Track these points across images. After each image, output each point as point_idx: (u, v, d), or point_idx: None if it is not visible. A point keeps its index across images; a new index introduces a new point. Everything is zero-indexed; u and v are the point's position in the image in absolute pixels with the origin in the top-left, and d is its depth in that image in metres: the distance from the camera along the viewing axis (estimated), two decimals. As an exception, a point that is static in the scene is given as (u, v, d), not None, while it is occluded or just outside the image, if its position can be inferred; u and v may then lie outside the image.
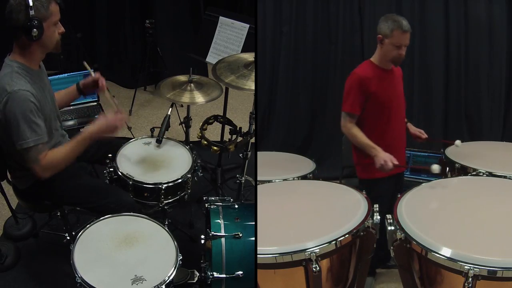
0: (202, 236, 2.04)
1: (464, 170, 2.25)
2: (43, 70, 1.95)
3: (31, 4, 1.66)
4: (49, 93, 1.95)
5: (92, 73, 2.20)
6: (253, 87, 2.14)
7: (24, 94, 1.70)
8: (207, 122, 2.69)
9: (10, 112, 1.70)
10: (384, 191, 2.22)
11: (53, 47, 1.84)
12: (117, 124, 1.96)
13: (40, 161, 1.79)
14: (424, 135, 2.49)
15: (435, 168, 1.95)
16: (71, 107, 3.12)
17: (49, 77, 2.05)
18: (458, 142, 2.39)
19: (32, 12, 1.67)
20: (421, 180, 2.86)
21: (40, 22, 1.70)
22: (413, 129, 2.49)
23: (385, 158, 2.06)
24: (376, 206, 1.71)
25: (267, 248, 1.47)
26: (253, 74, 2.22)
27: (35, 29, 1.69)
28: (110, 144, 2.32)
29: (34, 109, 1.73)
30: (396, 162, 2.07)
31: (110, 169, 2.18)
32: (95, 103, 3.24)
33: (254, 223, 1.77)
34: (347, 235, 1.54)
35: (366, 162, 2.21)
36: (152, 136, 2.45)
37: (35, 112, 1.74)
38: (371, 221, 1.65)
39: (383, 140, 2.20)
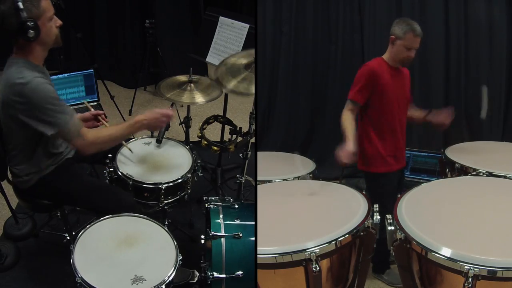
0: (202, 236, 2.04)
1: (464, 170, 2.25)
2: (46, 72, 1.96)
3: (21, 7, 1.65)
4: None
5: (92, 109, 2.27)
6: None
7: (39, 80, 1.71)
8: (207, 122, 2.69)
9: (33, 101, 1.69)
10: (390, 187, 2.33)
11: (54, 41, 1.83)
12: (165, 119, 1.98)
13: (85, 136, 1.80)
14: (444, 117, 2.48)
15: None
16: (71, 107, 3.12)
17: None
18: None
19: (24, 14, 1.65)
20: (421, 180, 2.87)
21: (35, 21, 1.69)
22: (435, 118, 2.48)
23: (342, 152, 2.03)
24: (376, 206, 1.71)
25: (267, 248, 1.47)
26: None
27: (31, 30, 1.68)
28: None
29: (53, 91, 1.74)
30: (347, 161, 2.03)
31: (110, 169, 2.18)
32: (95, 103, 3.23)
33: (254, 223, 1.77)
34: (347, 235, 1.54)
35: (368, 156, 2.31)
36: (152, 136, 2.45)
37: (55, 93, 1.75)
38: (371, 221, 1.65)
39: (380, 134, 2.30)
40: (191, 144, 2.54)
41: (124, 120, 3.68)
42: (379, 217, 1.66)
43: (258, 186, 2.12)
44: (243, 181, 2.65)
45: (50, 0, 1.77)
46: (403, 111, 2.38)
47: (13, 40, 1.75)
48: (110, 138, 1.90)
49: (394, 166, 2.36)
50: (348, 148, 2.04)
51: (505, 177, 2.00)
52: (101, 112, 2.27)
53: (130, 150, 2.28)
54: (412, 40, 2.23)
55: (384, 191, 2.30)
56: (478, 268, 1.29)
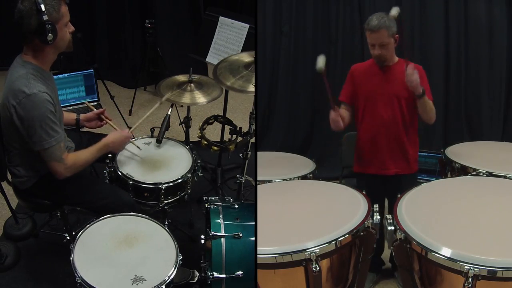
0: (202, 236, 2.04)
1: (464, 170, 2.25)
2: (52, 78, 1.96)
3: (43, 9, 1.65)
4: (57, 95, 1.96)
5: (94, 109, 2.30)
6: (253, 89, 2.13)
7: (42, 96, 1.71)
8: (207, 122, 2.68)
9: (29, 115, 1.71)
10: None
11: (66, 47, 1.85)
12: (126, 140, 2.15)
13: (64, 160, 1.83)
14: None
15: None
16: (71, 108, 3.12)
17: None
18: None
19: (45, 17, 1.66)
20: (421, 180, 2.87)
21: (54, 25, 1.70)
22: None
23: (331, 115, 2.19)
24: (376, 206, 1.71)
25: (267, 248, 1.47)
26: (253, 76, 2.21)
27: (50, 34, 1.68)
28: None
29: (52, 110, 1.75)
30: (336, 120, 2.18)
31: (110, 169, 2.18)
32: (95, 103, 3.24)
33: (254, 223, 1.77)
34: (347, 235, 1.54)
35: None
36: (152, 136, 2.45)
37: (53, 113, 1.76)
38: (371, 221, 1.65)
39: (359, 133, 2.35)
40: (191, 144, 2.54)
41: (124, 120, 3.68)
42: (379, 217, 1.67)
43: (258, 186, 2.12)
44: (243, 181, 2.65)
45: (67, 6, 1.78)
46: (385, 111, 2.23)
47: (26, 41, 1.75)
48: (86, 162, 1.96)
49: (368, 168, 2.33)
50: (331, 114, 2.18)
51: (505, 177, 2.00)
52: (102, 109, 2.29)
53: (139, 148, 2.32)
54: (368, 36, 2.16)
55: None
56: (478, 268, 1.29)
